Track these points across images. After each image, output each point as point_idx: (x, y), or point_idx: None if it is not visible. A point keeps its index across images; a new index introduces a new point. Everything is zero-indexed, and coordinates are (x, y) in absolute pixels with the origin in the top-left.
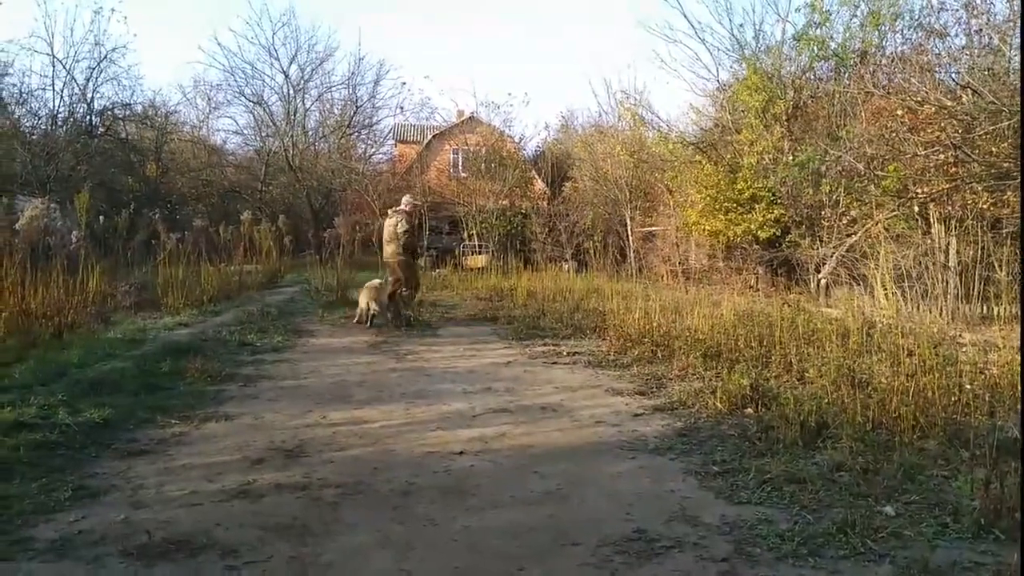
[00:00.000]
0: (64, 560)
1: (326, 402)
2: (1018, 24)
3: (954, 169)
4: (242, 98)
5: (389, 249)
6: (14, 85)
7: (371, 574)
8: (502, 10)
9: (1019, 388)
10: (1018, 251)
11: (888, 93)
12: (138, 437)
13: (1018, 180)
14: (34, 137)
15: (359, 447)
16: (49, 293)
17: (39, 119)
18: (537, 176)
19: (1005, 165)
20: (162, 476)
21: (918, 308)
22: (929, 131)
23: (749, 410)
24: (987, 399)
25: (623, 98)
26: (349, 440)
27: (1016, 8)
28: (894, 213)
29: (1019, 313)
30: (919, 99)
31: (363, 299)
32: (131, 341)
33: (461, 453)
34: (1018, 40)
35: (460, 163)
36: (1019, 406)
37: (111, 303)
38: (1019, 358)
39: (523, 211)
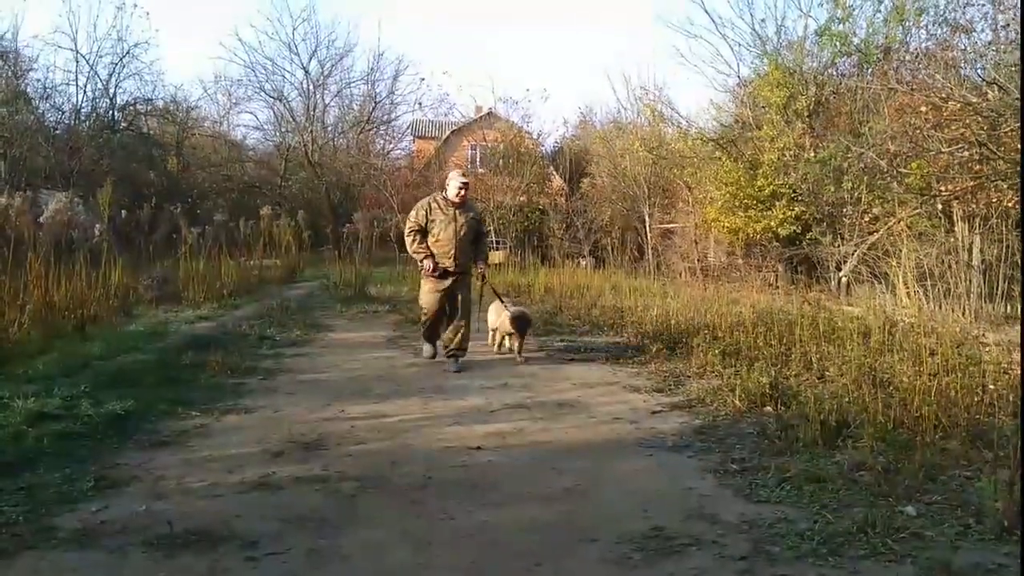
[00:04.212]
0: (87, 550)
1: (345, 396)
2: None
3: (979, 167)
4: (262, 94)
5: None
6: (38, 80)
7: (389, 567)
8: (521, 5)
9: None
10: None
11: (912, 89)
12: (159, 429)
13: None
14: (58, 132)
15: (377, 441)
16: (72, 286)
17: (63, 114)
18: (555, 172)
19: None
20: (183, 467)
21: (941, 307)
22: (954, 128)
23: (768, 408)
24: (1011, 399)
25: (642, 94)
26: (367, 434)
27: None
28: (917, 211)
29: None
30: (944, 95)
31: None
32: (153, 334)
33: (478, 448)
34: None
35: (478, 159)
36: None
37: (133, 296)
38: None
39: (541, 207)
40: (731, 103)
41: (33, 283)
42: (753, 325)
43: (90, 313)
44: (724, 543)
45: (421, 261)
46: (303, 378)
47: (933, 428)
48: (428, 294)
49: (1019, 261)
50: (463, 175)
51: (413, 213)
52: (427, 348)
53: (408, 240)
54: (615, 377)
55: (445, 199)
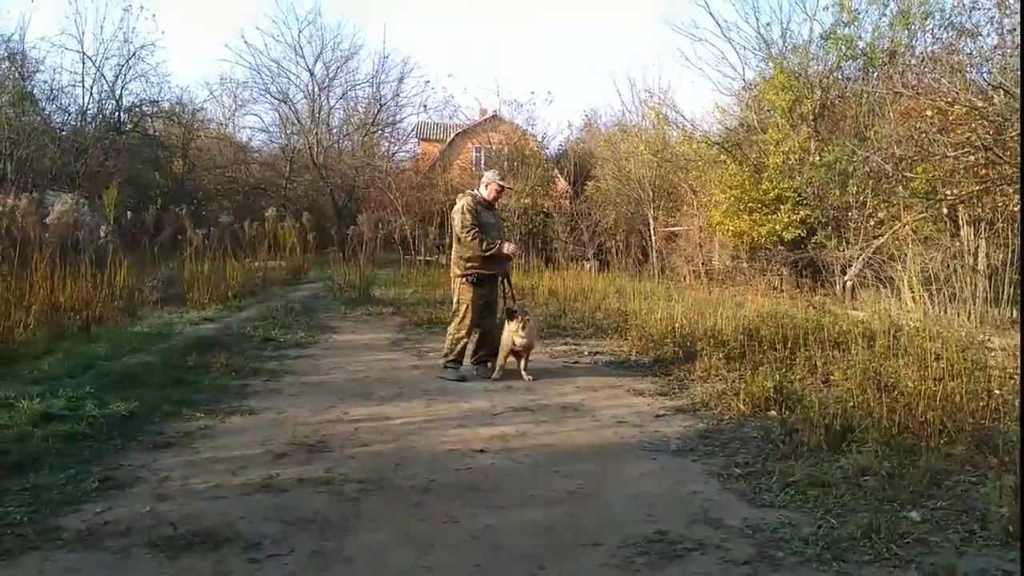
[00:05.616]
0: (91, 550)
1: (348, 398)
2: None
3: (984, 171)
4: (268, 96)
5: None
6: (45, 82)
7: (392, 570)
8: (527, 8)
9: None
10: None
11: (917, 93)
12: (164, 430)
13: None
14: (64, 133)
15: (380, 443)
16: (78, 287)
17: (69, 115)
18: (559, 175)
19: None
20: (187, 469)
21: (946, 311)
22: (959, 132)
23: (773, 412)
24: (1016, 404)
25: (647, 97)
26: (371, 436)
27: None
28: (922, 215)
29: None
30: (949, 99)
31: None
32: (157, 335)
33: (482, 451)
34: None
35: (483, 161)
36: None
37: (138, 297)
38: None
39: (545, 210)
40: (736, 106)
41: (39, 284)
42: (757, 329)
43: (95, 314)
44: (728, 547)
45: (506, 249)
46: (307, 380)
47: (938, 433)
48: (474, 306)
49: (1019, 263)
50: (503, 178)
51: (466, 216)
52: (462, 369)
53: (476, 241)
54: (619, 380)
55: (484, 200)
